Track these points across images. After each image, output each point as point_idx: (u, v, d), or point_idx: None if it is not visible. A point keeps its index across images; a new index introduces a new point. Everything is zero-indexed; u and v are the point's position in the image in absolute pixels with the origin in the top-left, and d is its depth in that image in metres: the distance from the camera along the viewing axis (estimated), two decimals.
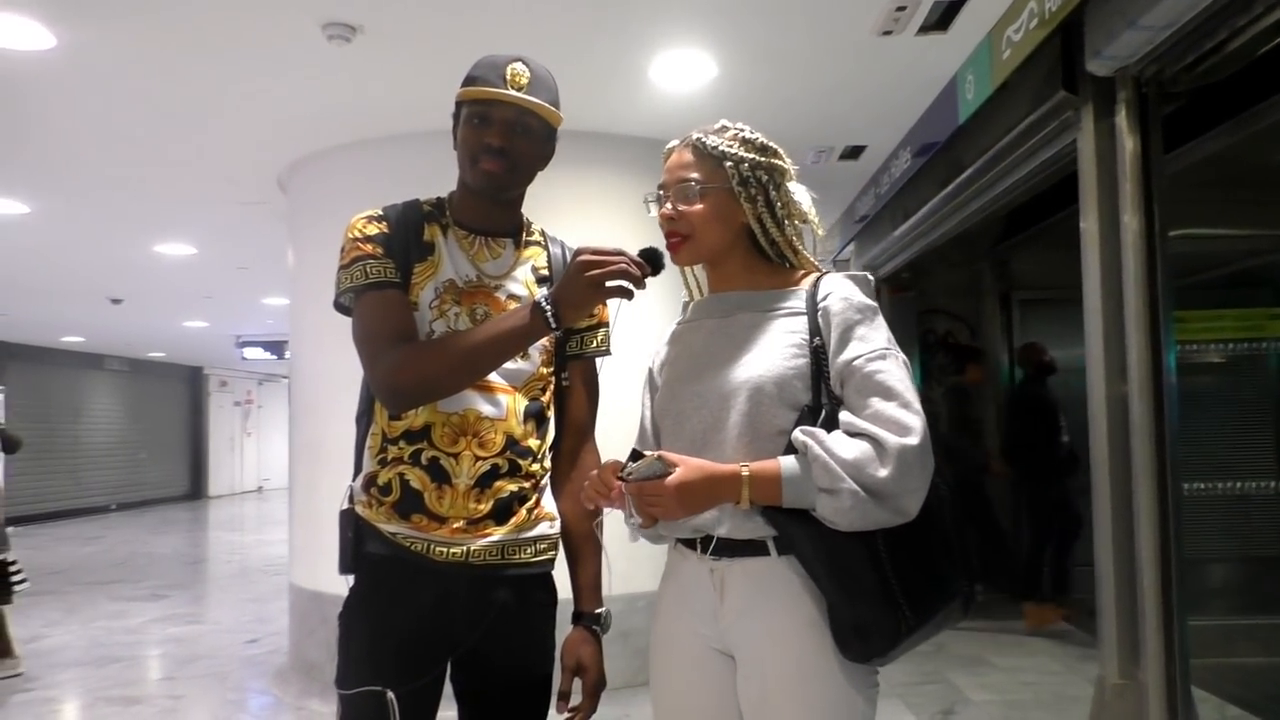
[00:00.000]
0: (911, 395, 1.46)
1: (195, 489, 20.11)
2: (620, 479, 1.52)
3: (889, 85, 4.28)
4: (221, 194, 5.70)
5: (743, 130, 1.66)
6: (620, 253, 1.56)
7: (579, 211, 4.72)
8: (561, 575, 1.84)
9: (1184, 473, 3.08)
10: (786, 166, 1.67)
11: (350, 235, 1.73)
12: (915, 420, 1.43)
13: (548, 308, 1.57)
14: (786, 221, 1.64)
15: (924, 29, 3.67)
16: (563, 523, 1.84)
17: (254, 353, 14.64)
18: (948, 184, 4.67)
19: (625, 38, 3.68)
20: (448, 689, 1.77)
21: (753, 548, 1.54)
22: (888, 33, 3.67)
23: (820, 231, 1.71)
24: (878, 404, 1.45)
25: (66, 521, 14.94)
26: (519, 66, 1.72)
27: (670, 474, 1.48)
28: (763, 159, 1.63)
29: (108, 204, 5.52)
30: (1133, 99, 3.09)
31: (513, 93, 1.70)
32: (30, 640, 6.36)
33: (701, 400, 1.60)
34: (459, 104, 1.75)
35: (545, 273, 1.84)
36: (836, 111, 4.64)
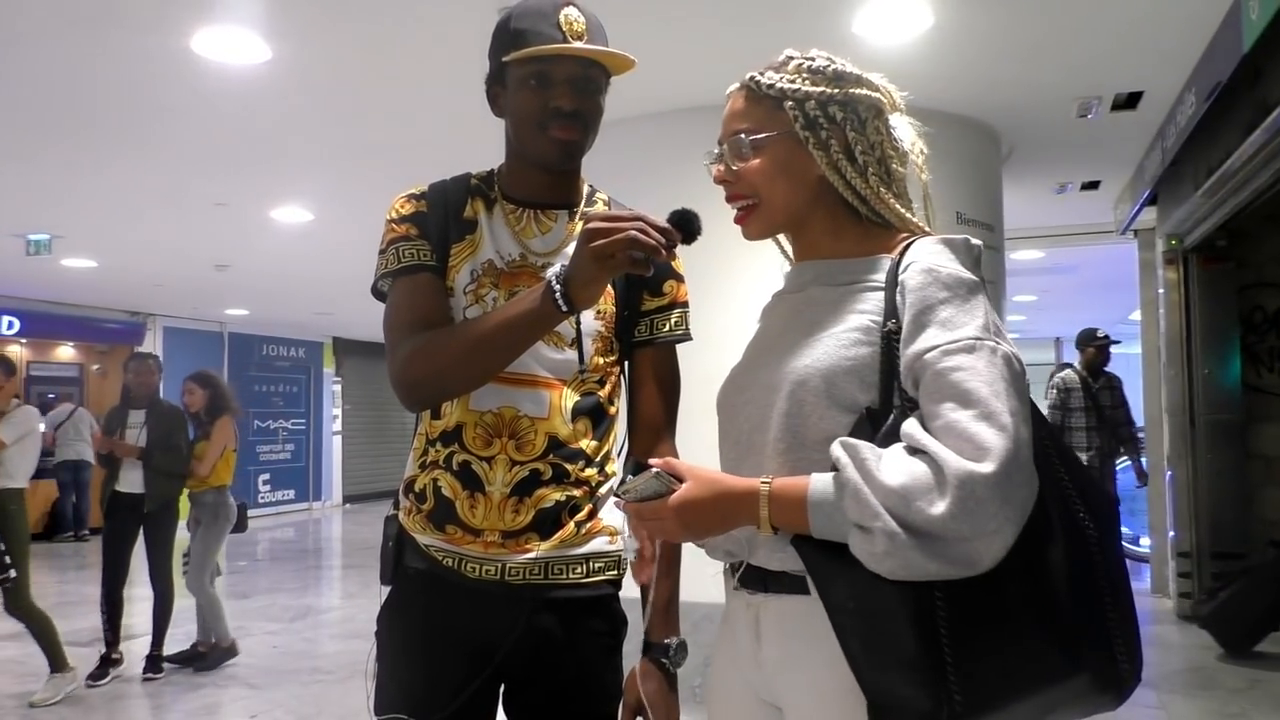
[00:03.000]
0: (1000, 404, 1.06)
1: None
2: (617, 496, 1.27)
3: (1158, 11, 3.55)
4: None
5: (811, 59, 1.30)
6: (638, 217, 1.28)
7: None
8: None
9: None
10: (877, 97, 1.29)
11: (387, 217, 1.58)
12: (996, 439, 1.03)
13: (557, 288, 1.33)
14: (871, 170, 1.28)
15: None
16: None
17: None
18: (1253, 128, 3.83)
19: None
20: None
21: (791, 582, 1.21)
22: None
23: (925, 176, 1.32)
24: (950, 413, 1.07)
25: None
26: (572, 11, 1.48)
27: (675, 491, 1.19)
28: (836, 90, 1.27)
29: (371, 206, 5.92)
30: None
31: (578, 44, 1.47)
32: (324, 611, 7.02)
33: (750, 394, 1.30)
34: (503, 64, 1.51)
35: None
36: (1094, 53, 3.93)
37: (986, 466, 1.02)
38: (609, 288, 1.56)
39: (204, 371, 5.79)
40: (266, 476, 13.94)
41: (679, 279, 1.65)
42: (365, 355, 15.60)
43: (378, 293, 1.61)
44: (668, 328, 1.63)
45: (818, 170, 1.28)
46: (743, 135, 1.31)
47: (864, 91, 1.29)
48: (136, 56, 3.82)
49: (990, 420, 1.05)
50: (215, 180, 5.73)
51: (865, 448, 1.10)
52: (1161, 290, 6.42)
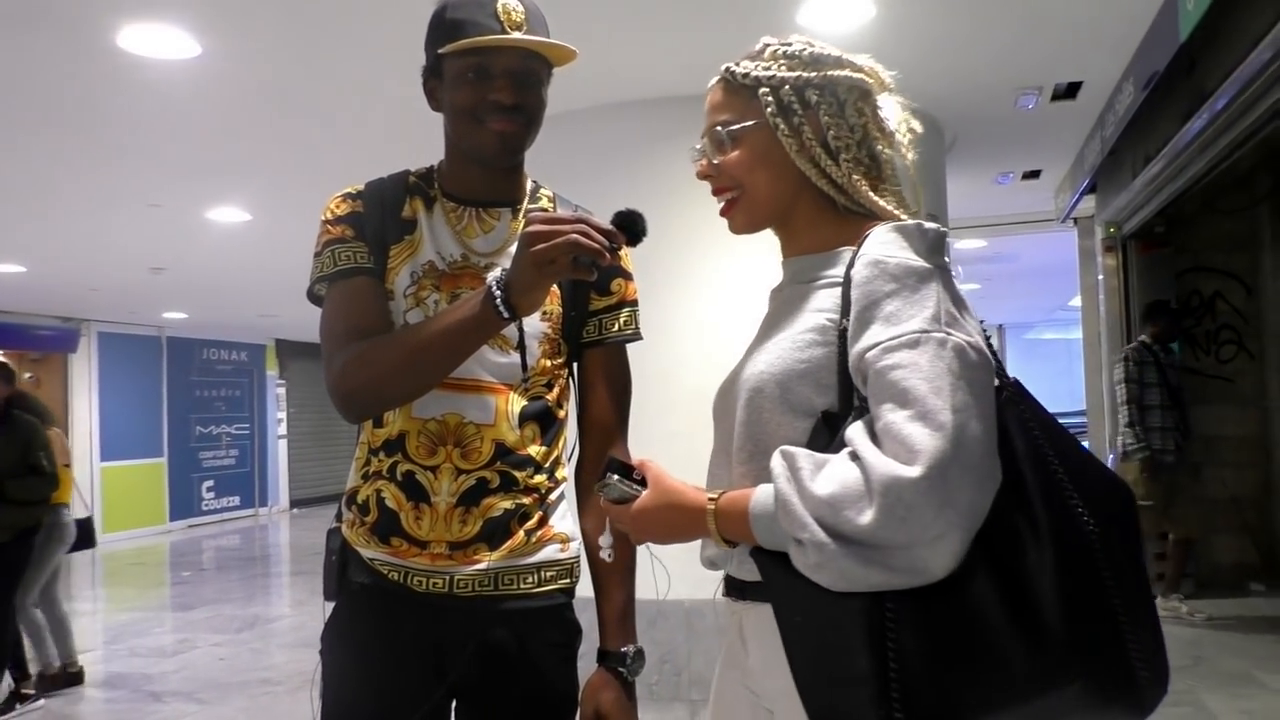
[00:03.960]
0: (939, 401, 1.00)
1: None
2: (598, 492, 1.25)
3: (1096, 3, 3.59)
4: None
5: (789, 44, 1.26)
6: (580, 219, 1.24)
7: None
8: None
9: None
10: (860, 78, 1.24)
11: (322, 218, 1.51)
12: (928, 440, 0.98)
13: (498, 294, 1.28)
14: (846, 155, 1.22)
15: None
16: (586, 543, 1.54)
17: None
18: (1190, 117, 3.90)
19: None
20: None
21: (766, 590, 1.16)
22: None
23: (910, 156, 1.26)
24: (888, 414, 1.02)
25: None
26: (511, 1, 1.42)
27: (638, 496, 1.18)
28: (813, 74, 1.22)
29: (311, 205, 5.78)
30: None
31: (518, 35, 1.41)
32: (272, 620, 6.88)
33: (726, 401, 1.27)
34: (439, 57, 1.45)
35: None
36: (1035, 44, 3.97)
37: (913, 471, 0.97)
38: (554, 287, 1.51)
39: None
40: (210, 483, 13.63)
41: (627, 277, 1.60)
42: (310, 357, 15.32)
43: (313, 297, 1.54)
44: (617, 327, 1.58)
45: (795, 160, 1.24)
46: (720, 128, 1.27)
47: (844, 73, 1.24)
48: (62, 54, 3.67)
49: (926, 420, 0.99)
50: (148, 181, 5.56)
51: (803, 456, 1.07)
52: (1101, 276, 6.54)
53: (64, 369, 11.66)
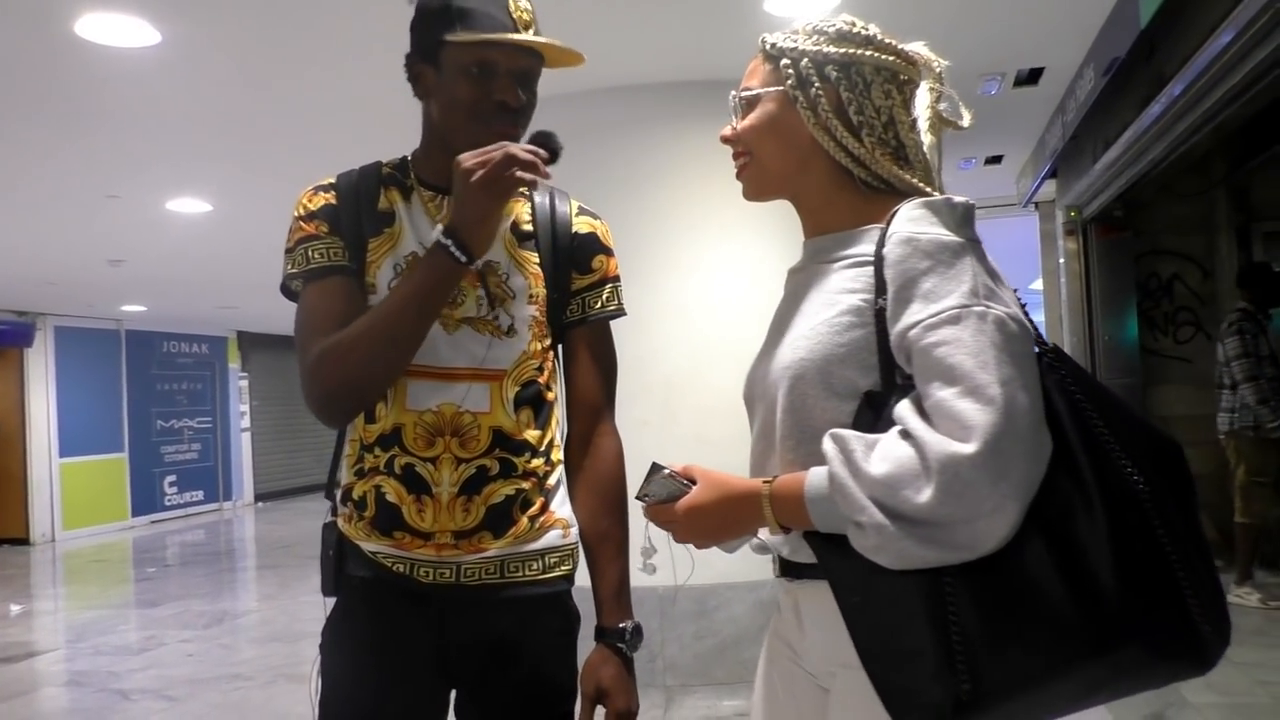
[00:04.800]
0: (987, 375, 1.02)
1: None
2: (638, 499, 1.27)
3: None
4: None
5: (825, 22, 1.27)
6: (502, 145, 1.32)
7: (680, 174, 4.37)
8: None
9: None
10: (890, 60, 1.24)
11: (294, 213, 1.50)
12: (980, 415, 1.00)
13: (448, 242, 1.32)
14: (866, 130, 1.23)
15: None
16: (580, 523, 1.56)
17: None
18: (1149, 102, 3.96)
19: None
20: None
21: (820, 569, 1.19)
22: None
23: (929, 138, 1.24)
24: (937, 392, 1.04)
25: (312, 496, 16.20)
26: None
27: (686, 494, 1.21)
28: (835, 50, 1.24)
29: (272, 195, 5.72)
30: None
31: (530, 37, 1.40)
32: (241, 615, 6.82)
33: (760, 388, 1.29)
34: (439, 43, 1.41)
35: (529, 228, 1.55)
36: (997, 30, 4.01)
37: (970, 446, 1.00)
38: (537, 270, 1.52)
39: None
40: (173, 478, 13.45)
41: (608, 253, 1.60)
42: (272, 349, 15.15)
43: (287, 291, 1.52)
44: (599, 304, 1.58)
45: (809, 131, 1.25)
46: (743, 94, 1.31)
47: (872, 53, 1.24)
48: (17, 41, 3.59)
49: (976, 395, 1.02)
50: (106, 171, 5.45)
51: (854, 438, 1.09)
52: (1062, 260, 6.63)
53: (20, 364, 11.42)
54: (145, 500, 12.92)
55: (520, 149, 1.31)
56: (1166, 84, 3.69)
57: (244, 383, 14.99)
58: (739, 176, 1.35)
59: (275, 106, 4.50)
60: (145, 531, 12.24)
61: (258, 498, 14.91)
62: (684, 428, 4.15)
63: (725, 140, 1.35)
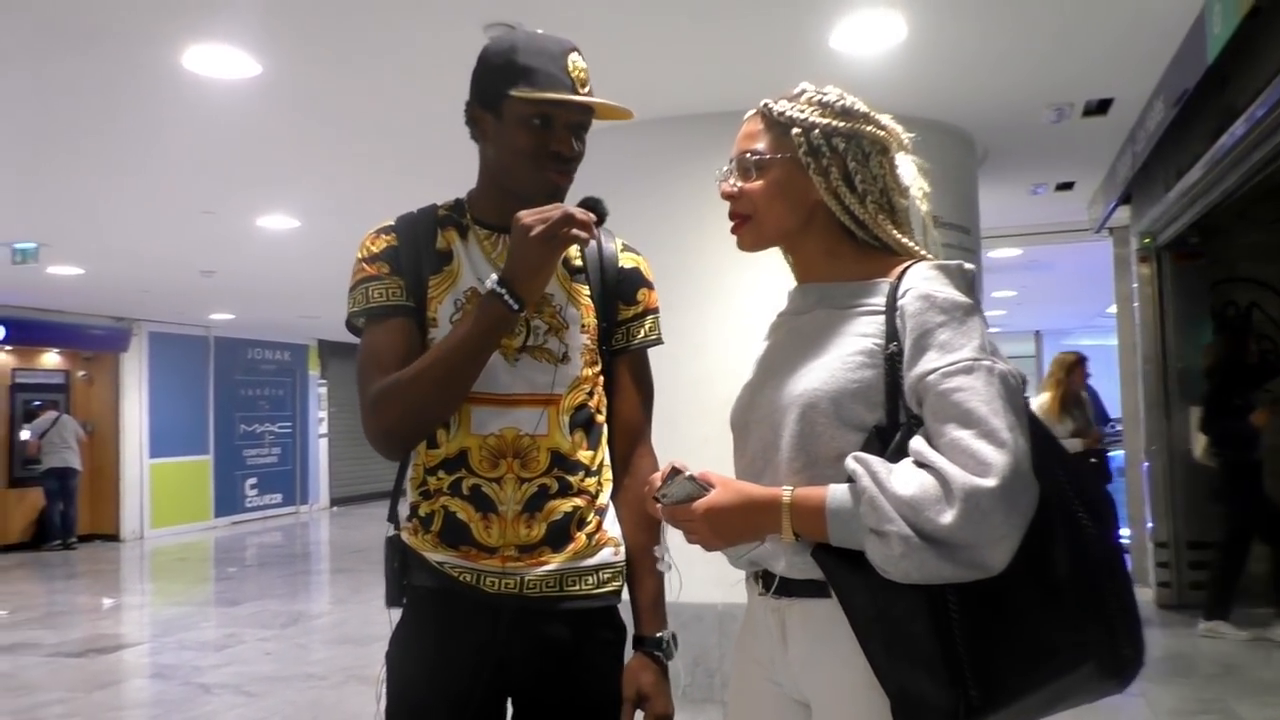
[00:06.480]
0: (999, 421, 1.16)
1: None
2: (656, 500, 1.36)
3: (1126, 23, 3.65)
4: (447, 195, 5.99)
5: (825, 93, 1.41)
6: (558, 205, 1.44)
7: None
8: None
9: None
10: (883, 135, 1.39)
11: (358, 255, 1.62)
12: (997, 456, 1.14)
13: (501, 291, 1.44)
14: (869, 197, 1.37)
15: None
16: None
17: None
18: (1220, 133, 3.94)
19: (803, 4, 3.39)
20: None
21: (815, 587, 1.30)
22: None
23: (925, 207, 1.42)
24: (953, 431, 1.18)
25: (384, 503, 16.52)
26: (578, 59, 1.55)
27: (705, 496, 1.31)
28: (841, 124, 1.37)
29: (357, 211, 5.96)
30: None
31: (588, 97, 1.54)
32: (315, 617, 7.08)
33: (761, 414, 1.40)
34: (503, 95, 1.53)
35: (579, 264, 1.67)
36: (1065, 62, 4.04)
37: (990, 481, 1.13)
38: (589, 302, 1.64)
39: None
40: (254, 480, 13.94)
41: (649, 286, 1.72)
42: (351, 358, 15.49)
43: (352, 327, 1.65)
44: (642, 334, 1.70)
45: (816, 195, 1.38)
46: (750, 155, 1.41)
47: (870, 129, 1.39)
48: (128, 72, 3.87)
49: (990, 438, 1.15)
50: (203, 189, 5.77)
51: (877, 461, 1.21)
52: (1136, 285, 6.55)
53: (115, 367, 12.02)
54: (227, 501, 13.42)
55: (577, 211, 1.42)
56: (1238, 116, 3.68)
57: (323, 390, 15.46)
58: (736, 230, 1.44)
59: (361, 130, 4.73)
60: (226, 532, 12.71)
61: (333, 502, 15.35)
62: None
63: (727, 197, 1.44)
